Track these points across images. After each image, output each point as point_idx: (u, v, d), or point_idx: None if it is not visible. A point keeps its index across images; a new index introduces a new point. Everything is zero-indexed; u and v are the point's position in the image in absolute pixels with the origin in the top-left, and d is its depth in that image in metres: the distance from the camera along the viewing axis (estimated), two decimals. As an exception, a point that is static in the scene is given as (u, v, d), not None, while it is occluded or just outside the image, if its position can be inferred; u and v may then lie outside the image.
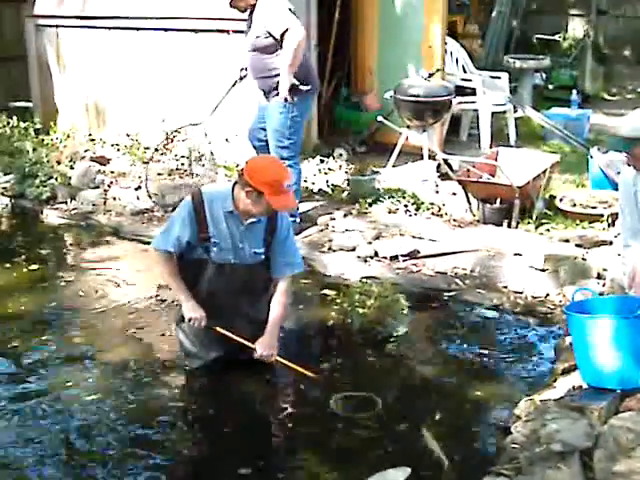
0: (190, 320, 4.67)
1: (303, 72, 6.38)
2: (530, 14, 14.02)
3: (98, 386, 4.82)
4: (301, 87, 6.36)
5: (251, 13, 6.40)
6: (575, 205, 6.81)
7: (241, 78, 6.87)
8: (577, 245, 6.17)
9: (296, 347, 5.28)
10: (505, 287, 5.85)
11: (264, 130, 6.60)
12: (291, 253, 4.83)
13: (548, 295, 5.71)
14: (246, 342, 4.66)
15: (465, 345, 5.30)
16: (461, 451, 4.19)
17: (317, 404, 4.65)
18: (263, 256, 4.71)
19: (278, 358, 4.69)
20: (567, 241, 6.26)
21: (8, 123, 8.84)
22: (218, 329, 4.70)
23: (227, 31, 7.83)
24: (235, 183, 4.62)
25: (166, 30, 8.48)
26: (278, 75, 6.31)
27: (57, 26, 9.29)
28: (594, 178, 7.31)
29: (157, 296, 5.88)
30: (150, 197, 7.47)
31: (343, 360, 5.14)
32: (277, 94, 6.38)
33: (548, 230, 6.51)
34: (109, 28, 8.89)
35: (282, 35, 6.19)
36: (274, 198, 4.41)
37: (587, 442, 3.67)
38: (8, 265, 6.61)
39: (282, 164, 4.87)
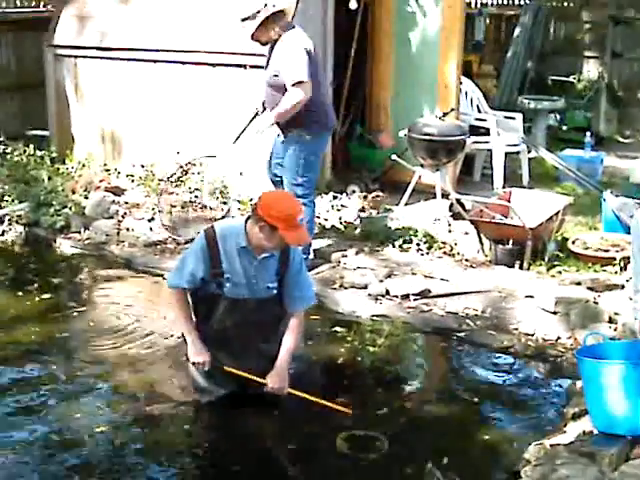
0: (194, 364, 4.71)
1: (318, 110, 6.41)
2: (545, 55, 14.09)
3: (107, 418, 4.82)
4: (306, 136, 6.40)
5: (272, 47, 6.41)
6: (587, 248, 6.82)
7: (262, 111, 6.88)
8: (589, 288, 6.16)
9: (305, 383, 5.26)
10: (516, 329, 5.84)
11: (281, 165, 6.64)
12: (304, 287, 4.84)
13: (559, 338, 5.69)
14: (255, 378, 4.66)
15: (475, 386, 5.28)
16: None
17: (323, 442, 4.63)
18: (275, 290, 4.71)
19: (290, 390, 4.68)
20: (579, 284, 6.24)
21: (24, 151, 8.90)
22: (225, 368, 4.72)
23: (244, 66, 7.90)
24: (248, 218, 4.64)
25: (184, 63, 8.55)
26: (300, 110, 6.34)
27: (76, 56, 9.36)
28: (607, 221, 7.32)
29: (168, 328, 5.88)
30: (165, 227, 7.48)
31: (352, 398, 5.09)
32: (292, 131, 6.42)
33: (560, 272, 6.50)
34: (127, 60, 8.96)
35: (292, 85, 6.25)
36: (287, 233, 4.43)
37: (597, 489, 3.67)
38: (21, 293, 6.64)
39: (295, 199, 4.89)
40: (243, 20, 6.25)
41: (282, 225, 4.41)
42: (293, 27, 6.37)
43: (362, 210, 7.74)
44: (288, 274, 4.73)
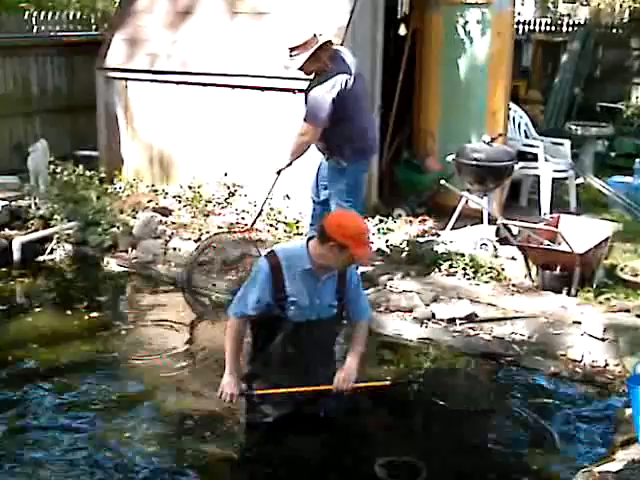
0: (221, 393, 4.67)
1: (358, 139, 6.45)
2: (593, 81, 14.01)
3: (154, 437, 4.85)
4: (344, 163, 6.45)
5: (314, 77, 6.43)
6: (637, 275, 6.75)
7: None
8: (638, 315, 6.10)
9: (349, 404, 5.26)
10: (563, 355, 5.78)
11: (325, 189, 6.67)
12: (362, 301, 4.91)
13: (607, 365, 5.63)
14: (311, 388, 4.67)
15: (521, 412, 5.23)
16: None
17: (362, 467, 4.61)
18: (336, 309, 4.72)
19: (355, 385, 4.70)
20: (627, 311, 6.19)
21: (74, 171, 9.00)
22: (261, 392, 4.74)
23: (293, 90, 7.94)
24: (308, 240, 4.66)
25: (232, 87, 8.62)
26: (335, 140, 6.38)
27: (126, 79, 9.48)
28: (656, 249, 7.24)
29: (214, 349, 5.89)
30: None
31: (394, 422, 5.10)
32: (331, 157, 6.49)
33: (608, 299, 6.44)
34: (176, 83, 9.06)
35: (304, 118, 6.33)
36: (358, 250, 4.47)
37: (647, 518, 3.61)
38: (69, 312, 6.71)
39: (361, 218, 4.92)
40: (292, 50, 6.24)
41: (353, 243, 4.44)
42: (340, 56, 6.37)
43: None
44: (348, 289, 4.75)
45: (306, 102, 6.41)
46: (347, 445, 4.82)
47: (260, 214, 6.83)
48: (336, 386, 4.64)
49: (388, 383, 5.00)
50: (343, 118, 6.28)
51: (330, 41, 6.29)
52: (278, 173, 6.64)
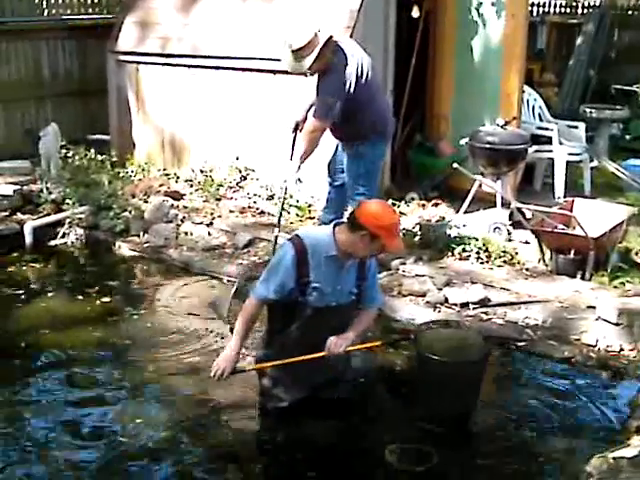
0: (215, 368, 4.66)
1: (377, 119, 6.39)
2: (608, 64, 13.90)
3: (167, 422, 4.84)
4: (365, 147, 6.39)
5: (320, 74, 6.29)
6: (652, 259, 6.70)
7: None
8: (653, 300, 6.06)
9: (360, 390, 5.24)
10: (577, 340, 5.74)
11: (342, 173, 6.64)
12: (377, 288, 4.97)
13: (622, 349, 5.59)
14: (308, 356, 4.64)
15: (534, 397, 5.20)
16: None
17: (373, 453, 4.61)
18: (355, 295, 4.75)
19: (348, 348, 4.69)
20: (643, 295, 6.14)
21: (86, 155, 9.00)
22: (256, 367, 4.80)
23: (305, 73, 7.88)
24: (335, 226, 4.65)
25: (244, 70, 8.57)
26: (357, 129, 6.33)
27: (138, 62, 9.45)
28: (672, 232, 7.17)
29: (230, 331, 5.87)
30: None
31: (405, 407, 5.08)
32: (351, 142, 6.44)
33: (623, 283, 6.39)
34: (188, 66, 9.02)
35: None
36: (390, 241, 4.49)
37: (663, 505, 3.57)
38: (80, 296, 6.71)
39: (394, 208, 4.93)
40: (297, 51, 6.06)
41: (386, 234, 4.45)
42: (342, 49, 6.23)
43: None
44: (367, 277, 4.78)
45: (315, 98, 6.31)
46: (359, 430, 4.81)
47: (279, 221, 6.70)
48: (328, 350, 4.61)
49: (379, 343, 5.10)
50: (360, 107, 6.22)
51: (332, 36, 6.19)
52: (285, 181, 6.58)
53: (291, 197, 8.01)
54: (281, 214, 6.64)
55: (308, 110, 6.56)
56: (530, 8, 12.68)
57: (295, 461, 4.54)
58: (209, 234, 7.71)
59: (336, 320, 4.68)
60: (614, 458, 4.07)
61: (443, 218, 7.58)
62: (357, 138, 6.40)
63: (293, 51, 6.08)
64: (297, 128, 6.63)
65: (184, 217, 8.05)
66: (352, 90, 6.15)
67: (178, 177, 9.11)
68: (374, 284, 4.89)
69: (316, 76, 6.29)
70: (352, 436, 4.77)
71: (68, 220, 8.07)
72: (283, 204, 6.81)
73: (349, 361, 4.96)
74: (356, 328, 4.77)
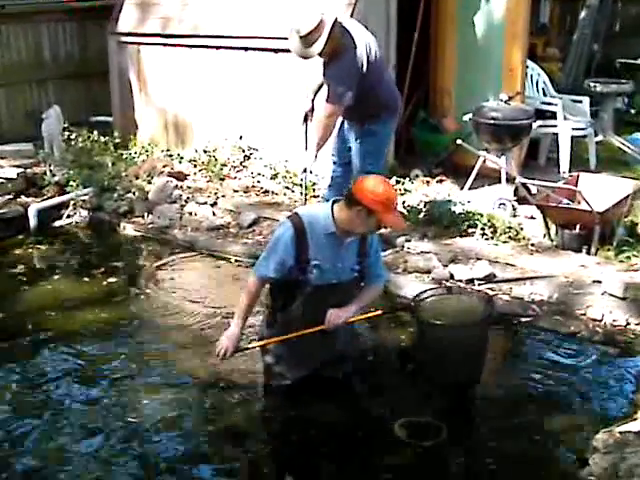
0: (219, 347, 4.69)
1: (385, 96, 6.36)
2: (612, 37, 13.81)
3: (174, 402, 4.85)
4: (376, 126, 6.35)
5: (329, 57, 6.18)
6: (657, 233, 6.67)
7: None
8: (659, 274, 6.03)
9: (368, 367, 5.24)
10: (583, 314, 5.72)
11: (349, 151, 6.58)
12: (380, 265, 4.95)
13: (628, 324, 5.58)
14: (309, 330, 4.65)
15: (541, 373, 5.20)
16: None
17: (382, 428, 4.61)
18: (357, 272, 4.74)
19: (347, 319, 4.69)
20: (649, 269, 6.12)
21: (89, 137, 8.98)
22: (258, 344, 4.84)
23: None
24: (333, 203, 4.62)
25: (246, 49, 8.54)
26: (368, 110, 6.27)
27: (139, 43, 9.42)
28: (677, 205, 7.13)
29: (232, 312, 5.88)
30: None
31: (413, 382, 5.08)
32: (361, 122, 6.38)
33: (629, 258, 6.36)
34: (190, 46, 8.98)
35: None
36: (386, 216, 4.46)
37: (670, 478, 3.57)
38: (86, 278, 6.72)
39: (391, 184, 4.81)
40: (304, 37, 5.95)
41: (381, 208, 4.42)
42: (347, 30, 6.15)
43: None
44: (369, 253, 4.76)
45: (327, 83, 6.22)
46: (367, 406, 4.84)
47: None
48: (328, 322, 4.61)
49: (380, 312, 5.03)
50: (371, 87, 6.17)
51: (337, 17, 6.11)
52: (305, 171, 6.48)
53: (295, 176, 7.97)
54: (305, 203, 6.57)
55: (314, 98, 6.53)
56: (533, -18, 12.59)
57: (302, 439, 4.55)
58: (213, 214, 7.71)
59: (337, 297, 4.66)
60: (620, 432, 4.06)
61: (448, 194, 7.56)
62: (369, 117, 6.34)
63: (301, 37, 5.98)
64: (307, 118, 6.58)
65: (188, 197, 8.04)
66: (364, 71, 6.10)
67: (182, 157, 9.10)
68: (377, 260, 4.87)
69: (320, 59, 6.21)
70: (360, 412, 4.80)
71: (72, 202, 8.09)
72: (306, 197, 6.78)
73: (353, 338, 4.96)
74: (358, 302, 4.76)
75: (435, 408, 4.75)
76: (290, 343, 4.72)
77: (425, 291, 5.07)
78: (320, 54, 6.05)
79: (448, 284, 6.04)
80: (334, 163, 6.78)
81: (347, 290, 4.72)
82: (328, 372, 4.84)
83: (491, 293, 6.03)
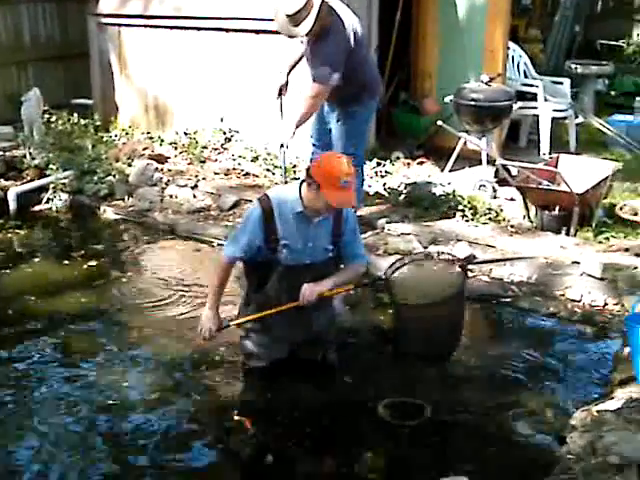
0: (200, 328, 4.75)
1: (367, 79, 6.35)
2: (593, 19, 13.83)
3: (153, 385, 4.86)
4: (357, 108, 6.34)
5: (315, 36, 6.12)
6: (636, 214, 6.71)
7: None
8: (637, 254, 6.06)
9: (349, 349, 5.25)
10: (562, 295, 5.77)
11: (329, 132, 6.55)
12: (358, 245, 4.87)
13: (606, 304, 5.62)
14: (283, 307, 4.65)
15: (520, 353, 5.23)
16: (515, 460, 4.14)
17: (366, 409, 4.62)
18: (331, 253, 4.70)
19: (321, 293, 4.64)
20: (627, 250, 6.15)
21: (69, 120, 8.93)
22: (236, 322, 4.82)
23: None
24: (302, 183, 4.60)
25: (227, 31, 8.51)
26: (351, 89, 6.22)
27: (119, 25, 9.37)
28: (656, 187, 7.18)
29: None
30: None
31: (394, 364, 5.10)
32: (344, 105, 6.35)
33: (607, 239, 6.40)
34: (171, 27, 8.94)
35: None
36: (328, 192, 4.38)
37: (645, 455, 3.60)
38: (66, 261, 6.70)
39: (347, 161, 4.64)
40: (292, 15, 5.89)
41: (324, 184, 4.37)
42: (334, 8, 6.09)
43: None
44: (344, 234, 4.72)
45: (312, 63, 6.17)
46: (349, 389, 4.84)
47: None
48: (302, 297, 4.58)
49: (352, 286, 4.95)
50: (356, 67, 6.15)
51: None
52: (282, 146, 6.34)
53: (276, 158, 7.94)
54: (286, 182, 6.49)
55: (289, 72, 6.50)
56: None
57: (283, 421, 4.55)
58: (194, 197, 7.69)
59: (311, 278, 4.64)
60: (597, 411, 4.11)
61: (428, 176, 7.57)
62: (350, 99, 6.31)
63: (289, 15, 5.93)
64: (281, 93, 6.53)
65: (169, 180, 8.02)
66: (350, 52, 6.08)
67: (162, 140, 9.07)
68: (354, 240, 4.81)
69: (304, 39, 6.18)
70: (343, 394, 4.81)
71: (52, 185, 8.02)
72: (286, 179, 6.71)
73: (331, 321, 4.95)
74: (334, 278, 4.70)
75: (418, 388, 4.78)
76: (265, 324, 4.74)
77: (399, 259, 5.04)
78: (307, 33, 6.00)
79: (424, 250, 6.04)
80: (313, 145, 6.76)
81: (322, 271, 4.69)
82: (306, 354, 4.85)
83: (471, 274, 6.04)
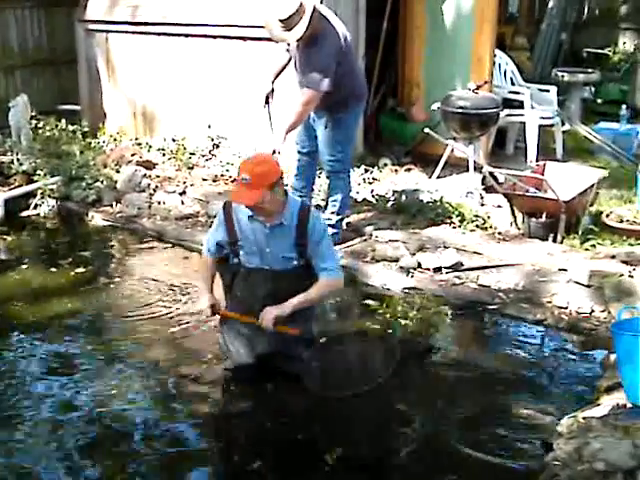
0: (199, 310, 4.98)
1: (353, 85, 6.36)
2: (580, 27, 13.91)
3: (139, 392, 4.85)
4: (344, 114, 6.35)
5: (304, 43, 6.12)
6: (622, 221, 6.74)
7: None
8: (623, 262, 6.08)
9: (337, 356, 5.25)
10: (549, 302, 5.77)
11: (315, 139, 6.56)
12: (327, 258, 4.71)
13: (593, 311, 5.63)
14: (250, 319, 4.71)
15: (507, 360, 5.25)
16: (502, 467, 4.15)
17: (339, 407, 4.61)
18: (296, 262, 4.69)
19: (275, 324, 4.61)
20: (613, 257, 6.17)
21: (57, 126, 8.93)
22: (226, 313, 4.89)
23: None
24: None
25: (215, 37, 8.52)
26: (339, 96, 6.20)
27: (107, 31, 9.38)
28: (642, 194, 7.21)
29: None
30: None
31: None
32: (331, 112, 6.34)
33: (594, 246, 6.43)
34: (158, 34, 8.96)
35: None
36: (233, 188, 4.60)
37: (631, 462, 3.61)
38: (53, 268, 6.68)
39: (262, 159, 4.71)
40: (284, 20, 5.88)
41: (236, 179, 4.58)
42: (324, 15, 6.12)
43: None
44: (309, 244, 4.67)
45: (303, 69, 6.18)
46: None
47: None
48: (261, 320, 4.61)
49: (298, 332, 4.69)
50: (343, 75, 6.16)
51: (316, 2, 6.05)
52: (274, 153, 6.21)
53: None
54: None
55: (274, 80, 6.50)
56: (502, -28, 12.63)
57: (270, 430, 4.54)
58: (182, 203, 7.70)
59: (273, 286, 4.66)
60: (584, 418, 4.12)
61: (416, 183, 7.60)
62: (337, 106, 6.31)
63: (281, 20, 5.93)
64: (267, 101, 6.54)
65: (157, 186, 8.03)
66: (339, 58, 6.10)
67: (150, 146, 9.08)
68: (322, 252, 4.69)
69: (293, 45, 6.19)
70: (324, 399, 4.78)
71: (40, 191, 8.02)
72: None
73: (301, 338, 4.79)
74: (303, 296, 4.63)
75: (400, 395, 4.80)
76: (232, 327, 4.88)
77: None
78: (300, 39, 6.00)
79: (425, 283, 6.06)
80: (299, 152, 6.76)
81: (285, 280, 4.67)
82: (282, 366, 4.80)
83: (458, 281, 6.08)
